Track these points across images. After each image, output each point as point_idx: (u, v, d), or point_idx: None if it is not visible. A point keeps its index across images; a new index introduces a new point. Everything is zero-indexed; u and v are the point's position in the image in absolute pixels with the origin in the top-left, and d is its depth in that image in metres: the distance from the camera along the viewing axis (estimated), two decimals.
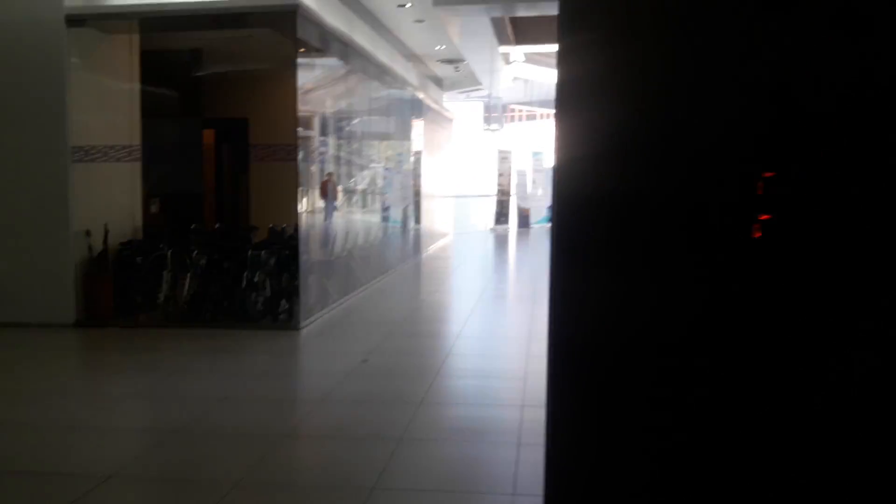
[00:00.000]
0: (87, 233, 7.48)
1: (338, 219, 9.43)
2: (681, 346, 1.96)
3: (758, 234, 1.81)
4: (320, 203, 8.83)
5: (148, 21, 7.65)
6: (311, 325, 7.45)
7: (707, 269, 1.91)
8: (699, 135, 1.92)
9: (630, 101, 1.99)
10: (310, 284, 7.71)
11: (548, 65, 18.28)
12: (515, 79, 17.51)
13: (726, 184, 1.88)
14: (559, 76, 2.04)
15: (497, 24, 11.46)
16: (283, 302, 7.53)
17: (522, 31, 13.21)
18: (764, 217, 1.79)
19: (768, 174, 1.80)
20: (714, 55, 1.91)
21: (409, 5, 10.65)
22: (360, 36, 10.17)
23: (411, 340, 7.04)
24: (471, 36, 12.34)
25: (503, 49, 13.82)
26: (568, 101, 2.04)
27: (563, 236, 2.04)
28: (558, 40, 2.03)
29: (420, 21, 11.57)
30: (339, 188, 9.54)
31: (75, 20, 7.34)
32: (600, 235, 2.00)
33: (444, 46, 13.58)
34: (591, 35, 2.02)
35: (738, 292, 1.88)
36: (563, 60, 2.03)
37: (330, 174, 9.18)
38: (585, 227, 2.01)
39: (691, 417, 1.97)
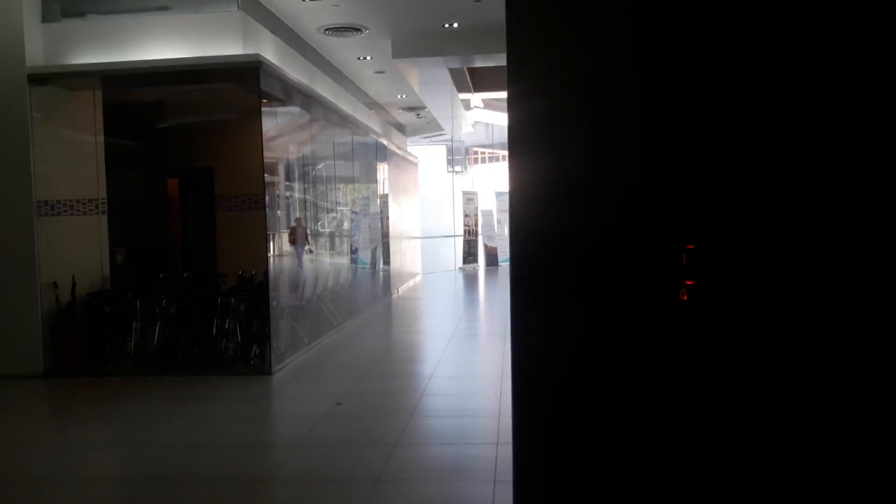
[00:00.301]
0: (55, 284, 7.47)
1: (307, 262, 9.49)
2: (616, 374, 2.15)
3: (685, 297, 2.02)
4: (289, 248, 8.90)
5: (110, 78, 7.74)
6: (284, 370, 7.46)
7: (636, 313, 2.14)
8: (626, 187, 2.13)
9: (569, 147, 2.18)
10: (281, 329, 7.75)
11: (506, 110, 18.75)
12: (476, 123, 17.89)
13: (653, 249, 2.09)
14: (510, 121, 2.22)
15: (455, 73, 11.80)
16: (255, 347, 7.55)
17: (480, 78, 13.58)
18: (689, 282, 1.99)
19: (690, 246, 2.02)
20: (638, 121, 2.13)
21: (369, 58, 10.94)
22: (323, 87, 10.39)
23: (385, 382, 7.09)
24: (430, 85, 12.67)
25: (463, 96, 14.18)
26: (518, 144, 2.22)
27: (518, 270, 2.22)
28: (508, 87, 2.22)
29: (380, 72, 11.87)
30: (308, 232, 9.63)
31: (38, 79, 7.43)
32: (547, 270, 2.19)
33: (405, 95, 13.89)
34: (535, 83, 2.21)
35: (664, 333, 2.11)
36: (512, 106, 2.22)
37: (298, 219, 9.27)
38: (535, 262, 2.19)
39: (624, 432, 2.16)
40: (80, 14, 7.89)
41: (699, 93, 2.08)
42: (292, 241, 9.02)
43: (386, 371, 7.67)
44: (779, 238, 2.03)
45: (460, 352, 8.80)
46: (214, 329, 7.44)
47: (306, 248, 9.37)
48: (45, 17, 7.65)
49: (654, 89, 2.11)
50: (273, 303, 7.53)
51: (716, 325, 2.08)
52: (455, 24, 9.39)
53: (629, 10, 2.10)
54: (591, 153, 2.16)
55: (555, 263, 2.19)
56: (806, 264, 2.03)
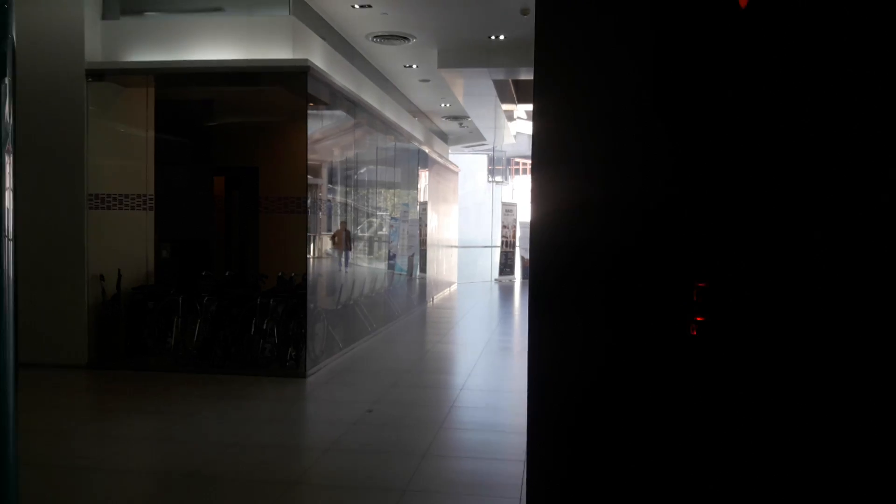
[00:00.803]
0: (101, 277, 7.65)
1: (346, 267, 9.58)
2: (625, 398, 2.20)
3: (694, 333, 2.07)
4: (329, 251, 9.00)
5: (163, 76, 7.94)
6: (318, 373, 7.53)
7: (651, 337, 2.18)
8: (647, 216, 2.17)
9: (590, 169, 2.22)
10: (316, 332, 7.82)
11: None
12: (518, 134, 17.87)
13: (667, 284, 2.14)
14: (534, 134, 2.27)
15: (500, 84, 11.83)
16: (291, 349, 7.63)
17: (524, 90, 13.58)
18: (699, 319, 2.03)
19: (702, 284, 2.08)
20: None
21: (415, 66, 11.02)
22: (368, 93, 10.49)
23: (416, 391, 7.11)
24: (474, 95, 12.72)
25: (506, 107, 14.20)
26: (542, 158, 2.26)
27: (536, 283, 2.27)
28: (533, 101, 2.27)
29: (426, 81, 11.94)
30: (351, 236, 9.73)
31: (95, 74, 7.64)
32: (564, 286, 2.23)
33: (448, 104, 13.95)
34: (560, 96, 2.25)
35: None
36: (538, 119, 2.26)
37: (343, 222, 9.37)
38: (553, 277, 2.24)
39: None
40: (138, 12, 8.09)
41: (717, 137, 2.11)
42: (336, 245, 9.11)
43: (418, 380, 7.69)
44: (790, 282, 2.06)
45: (492, 365, 8.79)
46: (253, 329, 7.54)
47: (349, 253, 9.47)
48: (105, 14, 7.87)
49: (673, 131, 2.14)
50: (310, 305, 7.61)
51: (723, 364, 2.11)
52: (501, 37, 9.41)
53: (651, 42, 2.14)
54: (610, 178, 2.21)
55: (572, 280, 2.24)
56: (816, 313, 2.07)
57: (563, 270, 2.28)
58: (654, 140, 2.20)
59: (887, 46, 1.99)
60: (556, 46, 2.28)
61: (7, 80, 2.06)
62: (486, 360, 8.86)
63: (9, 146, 2.04)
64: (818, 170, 2.06)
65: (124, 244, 8.08)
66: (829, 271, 2.06)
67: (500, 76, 11.16)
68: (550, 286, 2.30)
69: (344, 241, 9.34)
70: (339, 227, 9.21)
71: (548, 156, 2.30)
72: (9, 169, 2.03)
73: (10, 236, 1.98)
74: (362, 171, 10.66)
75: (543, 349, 2.32)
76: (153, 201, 8.20)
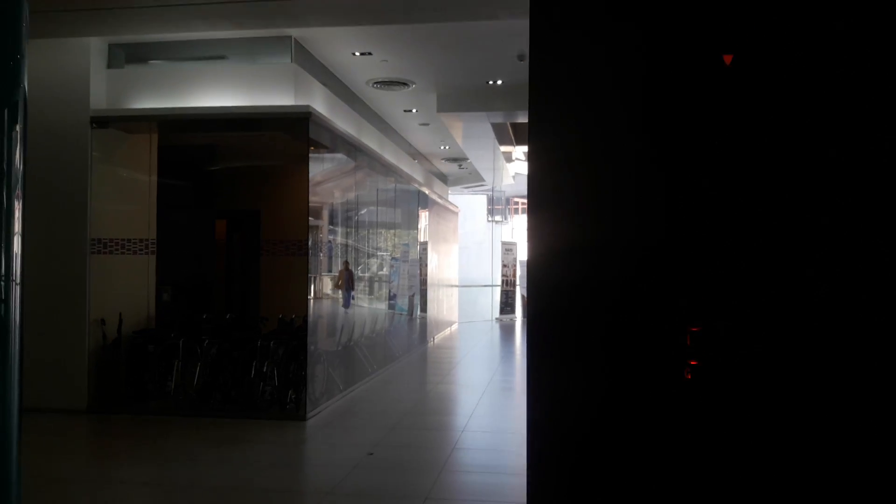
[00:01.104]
0: (102, 321, 7.68)
1: (347, 307, 9.61)
2: (619, 439, 2.23)
3: (688, 377, 2.12)
4: (329, 292, 9.03)
5: (167, 123, 8.08)
6: (318, 416, 7.50)
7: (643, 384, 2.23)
8: (639, 263, 2.24)
9: (585, 213, 2.29)
10: (317, 374, 7.82)
11: None
12: (516, 174, 18.03)
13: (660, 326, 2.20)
14: (529, 175, 2.34)
15: (498, 127, 12.01)
16: (291, 392, 7.62)
17: (522, 132, 13.76)
18: (693, 363, 2.08)
19: (695, 328, 2.14)
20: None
21: (414, 111, 11.20)
22: (369, 136, 10.65)
23: (417, 433, 7.08)
24: (473, 138, 12.89)
25: (504, 149, 14.38)
26: (536, 199, 2.33)
27: (534, 323, 2.31)
28: (528, 143, 2.35)
29: (425, 124, 12.13)
30: (354, 277, 9.79)
31: (100, 121, 7.78)
32: (560, 326, 2.28)
33: (448, 146, 14.13)
34: (553, 139, 2.33)
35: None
36: (532, 160, 2.34)
37: (346, 262, 9.43)
38: (550, 317, 2.29)
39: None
40: (142, 60, 8.26)
41: (708, 182, 2.18)
42: (339, 286, 9.16)
43: (419, 422, 7.66)
44: (782, 325, 2.12)
45: (494, 405, 8.75)
46: (253, 372, 7.54)
47: (352, 293, 9.51)
48: (111, 64, 8.04)
49: (665, 174, 2.21)
50: (311, 347, 7.62)
51: (717, 407, 2.15)
52: (499, 82, 9.59)
53: (641, 89, 2.23)
54: (604, 220, 2.27)
55: (568, 321, 2.29)
56: (807, 357, 2.12)
57: (560, 311, 2.34)
58: (646, 183, 2.27)
59: (854, 93, 2.07)
60: (548, 91, 2.37)
61: (18, 128, 2.14)
62: (488, 401, 8.82)
63: (18, 192, 2.11)
64: (808, 213, 2.12)
65: (126, 288, 8.13)
66: (822, 316, 2.10)
67: (499, 119, 11.33)
68: (547, 327, 2.35)
69: (346, 281, 9.38)
70: (341, 268, 9.26)
71: (542, 197, 2.37)
72: (18, 214, 2.09)
73: (18, 280, 2.03)
74: (363, 212, 10.75)
75: (542, 390, 2.36)
76: (155, 245, 8.27)
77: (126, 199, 8.29)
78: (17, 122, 2.13)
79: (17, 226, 2.07)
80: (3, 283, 1.95)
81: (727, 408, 2.13)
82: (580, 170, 2.35)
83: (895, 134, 2.07)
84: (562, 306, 2.33)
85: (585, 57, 2.35)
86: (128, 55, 8.15)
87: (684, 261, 2.21)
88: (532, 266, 2.37)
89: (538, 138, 2.39)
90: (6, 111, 2.10)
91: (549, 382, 2.36)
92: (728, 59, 2.11)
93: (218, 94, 7.96)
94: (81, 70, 7.70)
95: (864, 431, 2.09)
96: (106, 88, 7.96)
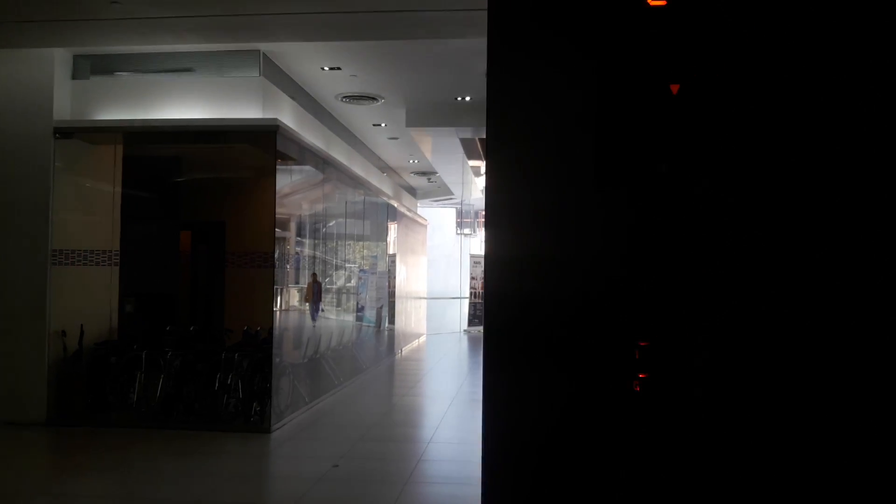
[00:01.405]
0: (63, 333, 7.60)
1: (314, 320, 9.60)
2: (572, 450, 2.33)
3: (637, 389, 2.24)
4: (295, 304, 9.03)
5: (132, 134, 8.05)
6: (283, 428, 7.49)
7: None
8: (587, 275, 2.33)
9: (536, 226, 2.39)
10: (282, 386, 7.81)
11: None
12: (485, 188, 18.20)
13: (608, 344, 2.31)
14: (487, 188, 2.44)
15: (466, 142, 12.14)
16: (256, 404, 7.60)
17: None
18: (642, 375, 2.19)
19: (643, 343, 2.26)
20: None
21: (383, 125, 11.29)
22: (337, 150, 10.69)
23: (383, 445, 7.11)
24: (442, 152, 13.00)
25: (473, 163, 14.54)
26: (495, 212, 2.42)
27: (490, 333, 2.41)
28: (486, 157, 2.45)
29: (394, 138, 12.22)
30: (322, 289, 9.79)
31: (63, 132, 7.73)
32: (517, 337, 2.38)
33: (416, 160, 14.23)
34: (510, 154, 2.44)
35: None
36: (490, 175, 2.44)
37: (314, 274, 9.43)
38: (506, 329, 2.38)
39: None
40: (108, 72, 8.22)
41: (658, 200, 2.29)
42: (307, 298, 9.15)
43: (385, 434, 7.69)
44: (727, 340, 2.23)
45: (461, 416, 8.81)
46: (217, 384, 7.51)
47: (319, 305, 9.51)
48: (76, 74, 7.99)
49: (616, 190, 2.32)
50: (276, 360, 7.62)
51: (665, 418, 2.25)
52: (467, 98, 9.72)
53: (595, 107, 2.34)
54: (562, 235, 2.36)
55: (523, 334, 2.37)
56: (749, 367, 2.24)
57: (515, 324, 2.41)
58: (601, 200, 2.36)
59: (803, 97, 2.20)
60: (506, 107, 2.46)
61: None
62: (455, 412, 8.88)
63: None
64: (754, 231, 2.24)
65: (88, 300, 8.05)
66: (758, 329, 2.22)
67: (467, 135, 11.46)
68: (504, 339, 2.43)
69: (315, 293, 9.39)
70: (309, 280, 9.27)
71: (499, 211, 2.45)
72: None
73: None
74: (331, 224, 10.78)
75: (498, 402, 2.44)
76: (118, 257, 8.20)
77: (89, 209, 8.22)
78: None
79: None
80: None
81: (674, 419, 2.23)
82: (536, 186, 2.45)
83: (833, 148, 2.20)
84: (517, 319, 2.42)
85: (542, 76, 2.45)
86: (93, 66, 8.11)
87: (634, 277, 2.30)
88: (489, 279, 2.45)
89: (496, 154, 2.48)
90: None
91: (504, 394, 2.44)
92: (675, 88, 2.23)
93: (185, 106, 7.96)
94: (45, 80, 7.65)
95: (811, 438, 2.19)
96: (70, 99, 7.91)
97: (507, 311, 2.42)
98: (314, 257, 9.88)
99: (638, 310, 2.28)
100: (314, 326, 9.56)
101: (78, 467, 6.23)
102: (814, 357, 2.19)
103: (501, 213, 2.48)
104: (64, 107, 7.81)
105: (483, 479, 2.43)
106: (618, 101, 2.35)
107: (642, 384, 2.26)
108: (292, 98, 8.91)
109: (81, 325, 7.73)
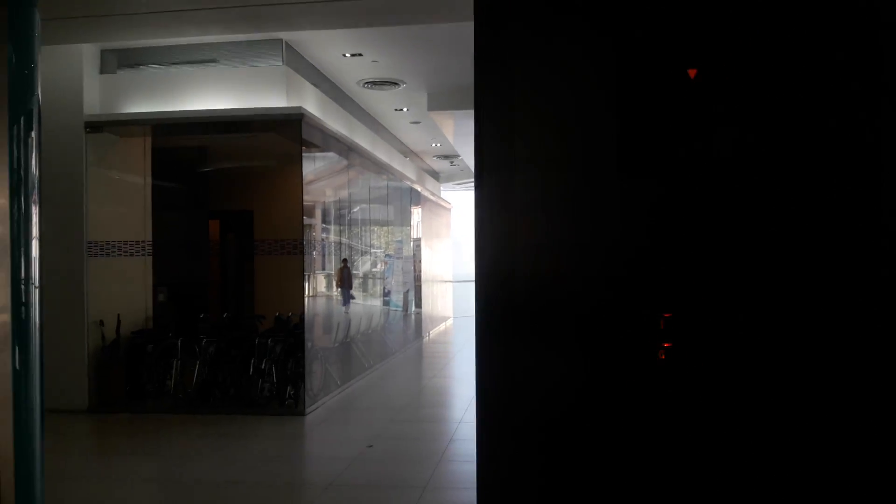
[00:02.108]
0: (101, 322, 7.79)
1: (344, 305, 9.74)
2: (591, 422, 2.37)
3: (662, 357, 2.29)
4: (324, 289, 9.16)
5: (160, 126, 8.19)
6: (316, 411, 7.64)
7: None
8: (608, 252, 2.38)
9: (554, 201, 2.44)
10: (314, 370, 7.96)
11: None
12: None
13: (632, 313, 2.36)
14: (476, 152, 2.48)
15: None
16: (289, 388, 7.75)
17: None
18: (667, 345, 2.24)
19: (667, 314, 2.31)
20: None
21: (405, 110, 11.33)
22: (360, 135, 10.76)
23: (415, 426, 7.22)
24: (464, 135, 12.99)
25: None
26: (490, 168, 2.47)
27: (484, 310, 2.46)
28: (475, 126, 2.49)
29: (416, 123, 12.26)
30: (352, 275, 9.93)
31: (94, 126, 7.89)
32: (523, 316, 2.43)
33: (439, 144, 14.26)
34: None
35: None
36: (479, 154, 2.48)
37: (345, 260, 9.55)
38: (508, 307, 2.43)
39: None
40: (134, 65, 8.36)
41: (681, 177, 2.32)
42: (338, 284, 9.28)
43: (416, 415, 7.80)
44: (748, 311, 2.28)
45: None
46: (251, 369, 7.67)
47: (349, 291, 9.64)
48: (103, 69, 8.14)
49: (636, 164, 2.35)
50: (308, 344, 7.76)
51: (690, 384, 2.30)
52: None
53: (595, 86, 2.37)
54: (577, 221, 2.40)
55: (531, 313, 2.41)
56: (769, 331, 2.28)
57: (535, 303, 2.46)
58: (618, 177, 2.40)
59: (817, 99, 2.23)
60: (495, 91, 2.51)
61: (34, 135, 2.24)
62: None
63: (35, 196, 2.22)
64: (778, 201, 2.27)
65: (123, 289, 8.24)
66: (784, 300, 2.26)
67: None
68: (528, 317, 2.48)
69: (345, 279, 9.52)
70: (340, 266, 9.39)
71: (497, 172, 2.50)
72: (35, 219, 2.20)
73: (37, 284, 2.15)
74: (356, 210, 10.88)
75: (490, 366, 2.50)
76: (151, 247, 8.38)
77: (122, 201, 8.39)
78: (32, 129, 2.23)
79: (35, 230, 2.18)
80: (23, 287, 2.07)
81: (699, 387, 2.28)
82: (552, 167, 2.48)
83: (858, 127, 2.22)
84: (538, 298, 2.46)
85: (532, 56, 2.48)
86: (120, 60, 8.25)
87: (658, 254, 2.35)
88: (506, 262, 2.50)
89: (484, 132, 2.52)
90: (22, 119, 2.20)
91: (515, 369, 2.49)
92: (692, 73, 2.27)
93: (210, 97, 8.07)
94: (75, 76, 7.80)
95: (836, 414, 2.23)
96: (99, 93, 8.06)
97: (513, 292, 2.45)
98: (340, 243, 10.00)
99: (662, 283, 2.33)
100: (345, 311, 9.69)
101: (120, 451, 6.43)
102: (841, 328, 2.22)
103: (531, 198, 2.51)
104: (93, 101, 7.97)
105: (480, 456, 2.50)
106: (639, 84, 2.38)
107: (667, 353, 2.32)
108: (315, 86, 8.99)
109: (118, 315, 7.93)
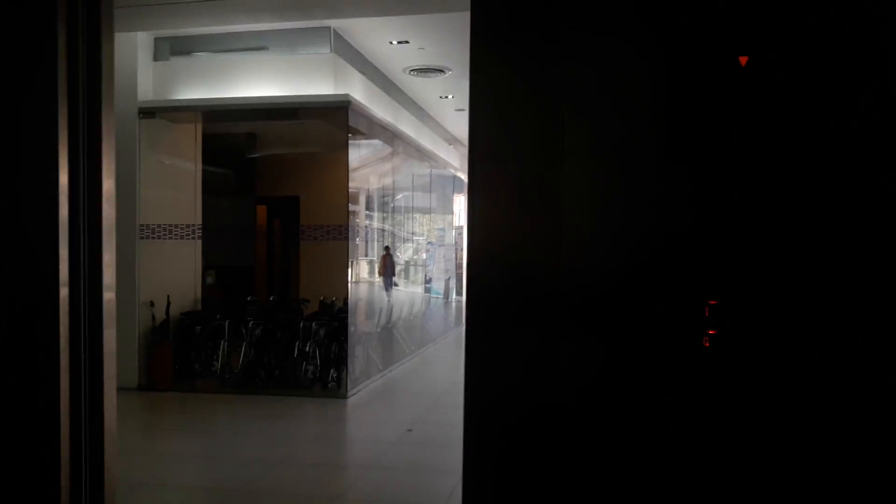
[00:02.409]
0: (151, 304, 8.03)
1: (387, 291, 9.86)
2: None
3: (707, 344, 2.28)
4: (366, 275, 9.28)
5: (210, 112, 8.36)
6: (358, 394, 7.77)
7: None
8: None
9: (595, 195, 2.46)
10: (357, 354, 8.08)
11: None
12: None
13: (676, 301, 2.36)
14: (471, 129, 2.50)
15: None
16: (333, 371, 7.89)
17: None
18: (712, 332, 2.23)
19: (713, 301, 2.29)
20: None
21: (450, 97, 11.36)
22: (405, 123, 10.82)
23: (454, 411, 7.29)
24: None
25: None
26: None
27: (476, 293, 2.49)
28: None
29: (461, 110, 12.27)
30: (395, 262, 10.03)
31: (147, 112, 8.09)
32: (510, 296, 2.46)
33: None
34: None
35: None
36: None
37: (388, 247, 9.65)
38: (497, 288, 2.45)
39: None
40: (186, 53, 8.55)
41: (722, 172, 2.30)
42: (381, 272, 9.40)
43: (456, 401, 7.86)
44: (794, 297, 2.25)
45: None
46: (296, 352, 7.83)
47: (392, 279, 9.75)
48: (157, 56, 8.34)
49: (682, 155, 2.33)
50: (351, 329, 7.88)
51: (735, 371, 2.29)
52: None
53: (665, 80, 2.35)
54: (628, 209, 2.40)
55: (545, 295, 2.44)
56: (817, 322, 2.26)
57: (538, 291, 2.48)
58: (666, 166, 2.39)
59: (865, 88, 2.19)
60: (489, 75, 2.52)
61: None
62: None
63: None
64: (819, 193, 2.25)
65: (173, 272, 8.47)
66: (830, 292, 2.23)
67: None
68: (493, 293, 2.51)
69: (388, 266, 9.63)
70: (383, 253, 9.50)
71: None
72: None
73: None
74: (399, 197, 10.96)
75: (480, 355, 2.53)
76: (200, 231, 8.58)
77: (173, 186, 8.61)
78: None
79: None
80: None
81: (745, 374, 2.28)
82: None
83: None
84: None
85: (526, 41, 2.47)
86: (172, 48, 8.44)
87: (705, 245, 2.34)
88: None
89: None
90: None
91: (490, 351, 2.53)
92: (743, 60, 2.24)
93: (260, 84, 8.21)
94: (129, 63, 8.01)
95: (879, 403, 2.20)
96: (152, 80, 8.27)
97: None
98: (383, 230, 10.10)
99: (707, 270, 2.32)
100: (385, 298, 9.80)
101: (169, 429, 6.64)
102: (889, 315, 2.19)
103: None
104: (146, 88, 8.18)
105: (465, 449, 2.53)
106: (687, 70, 2.36)
107: (712, 340, 2.32)
108: (362, 73, 9.06)
109: (168, 296, 8.15)
